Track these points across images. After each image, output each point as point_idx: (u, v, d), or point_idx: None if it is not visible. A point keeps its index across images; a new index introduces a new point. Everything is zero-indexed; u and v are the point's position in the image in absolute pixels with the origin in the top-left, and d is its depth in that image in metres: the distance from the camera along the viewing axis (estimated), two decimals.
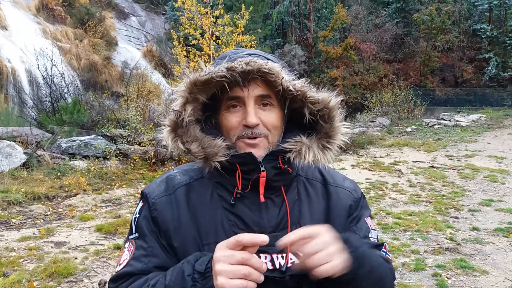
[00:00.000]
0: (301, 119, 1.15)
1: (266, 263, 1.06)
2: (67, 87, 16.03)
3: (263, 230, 1.08)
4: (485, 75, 29.26)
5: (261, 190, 1.10)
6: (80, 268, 4.73)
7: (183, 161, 10.58)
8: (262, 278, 0.93)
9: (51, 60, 15.21)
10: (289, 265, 1.07)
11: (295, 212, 1.14)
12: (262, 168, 1.09)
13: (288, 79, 1.08)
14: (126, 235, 1.21)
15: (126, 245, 1.17)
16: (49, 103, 14.74)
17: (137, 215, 1.18)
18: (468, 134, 17.51)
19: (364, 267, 1.03)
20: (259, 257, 1.05)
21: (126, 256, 1.14)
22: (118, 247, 5.34)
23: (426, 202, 7.79)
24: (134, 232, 1.16)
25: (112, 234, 5.94)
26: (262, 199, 1.10)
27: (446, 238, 5.82)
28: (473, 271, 4.74)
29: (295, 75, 1.14)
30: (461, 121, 20.87)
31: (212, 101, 1.13)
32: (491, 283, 4.46)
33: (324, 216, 1.18)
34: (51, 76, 15.06)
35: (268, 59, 1.14)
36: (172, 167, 10.12)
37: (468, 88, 29.47)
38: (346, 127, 1.16)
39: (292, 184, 1.18)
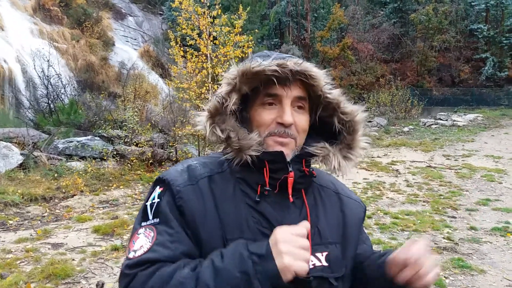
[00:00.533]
0: (323, 126, 1.20)
1: None
2: (64, 88, 16.00)
3: None
4: (482, 75, 29.33)
5: (290, 190, 1.12)
6: (77, 269, 4.71)
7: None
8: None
9: (48, 61, 15.17)
10: (311, 266, 1.08)
11: (313, 216, 1.15)
12: (290, 169, 1.10)
13: (328, 87, 1.13)
14: (136, 222, 1.12)
15: (141, 231, 1.06)
16: (46, 104, 14.71)
17: (157, 200, 1.09)
18: (465, 134, 17.56)
19: None
20: None
21: (144, 241, 1.03)
22: (116, 248, 5.32)
23: (424, 201, 7.80)
24: (151, 218, 1.08)
25: (109, 235, 5.92)
26: (291, 199, 1.12)
27: (443, 238, 5.83)
28: (470, 270, 4.75)
29: (332, 85, 1.17)
30: (458, 121, 20.92)
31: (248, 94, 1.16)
32: (488, 282, 4.47)
33: (339, 223, 1.21)
34: (47, 76, 15.03)
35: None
36: (169, 167, 10.10)
37: (465, 88, 29.54)
38: (367, 142, 1.20)
39: (310, 189, 1.20)
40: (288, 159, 1.11)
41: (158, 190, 1.12)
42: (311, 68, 1.10)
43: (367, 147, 1.20)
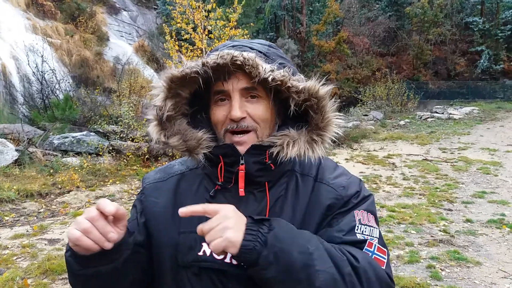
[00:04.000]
0: (296, 111, 1.10)
1: (232, 257, 1.02)
2: (59, 83, 15.90)
3: None
4: (477, 68, 29.42)
5: (241, 184, 1.08)
6: None
7: (177, 157, 10.55)
8: (107, 244, 0.95)
9: (42, 56, 15.07)
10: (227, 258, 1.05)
11: (276, 209, 1.09)
12: (242, 161, 1.06)
13: (268, 68, 1.02)
14: None
15: None
16: (41, 100, 14.62)
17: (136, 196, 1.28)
18: (461, 127, 17.62)
19: (269, 249, 0.93)
20: (201, 246, 1.07)
21: None
22: None
23: (420, 194, 7.83)
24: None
25: None
26: (241, 193, 1.08)
27: (439, 230, 5.86)
28: (466, 262, 4.78)
29: (278, 64, 1.07)
30: (454, 114, 20.98)
31: (205, 92, 1.12)
32: (484, 274, 4.50)
33: (303, 213, 1.10)
34: (42, 72, 14.93)
35: (253, 48, 1.11)
36: (166, 163, 10.08)
37: (461, 81, 29.62)
38: (339, 118, 1.10)
39: (281, 179, 1.13)
40: (243, 152, 1.07)
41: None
42: (239, 56, 1.02)
43: (341, 124, 1.11)
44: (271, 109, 1.11)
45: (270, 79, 1.02)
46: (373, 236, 1.09)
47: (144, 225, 1.18)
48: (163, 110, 1.09)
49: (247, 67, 1.02)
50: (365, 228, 1.09)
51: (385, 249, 1.11)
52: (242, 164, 1.06)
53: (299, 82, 1.06)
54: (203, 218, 1.04)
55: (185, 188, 1.18)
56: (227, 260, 1.04)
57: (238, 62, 1.01)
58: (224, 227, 0.92)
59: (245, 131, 1.08)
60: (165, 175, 1.24)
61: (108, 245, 0.96)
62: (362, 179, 8.79)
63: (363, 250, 1.06)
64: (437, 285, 4.27)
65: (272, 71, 1.03)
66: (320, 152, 1.09)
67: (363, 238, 1.07)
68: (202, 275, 1.06)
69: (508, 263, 4.76)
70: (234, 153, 1.07)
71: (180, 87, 1.09)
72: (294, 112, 1.09)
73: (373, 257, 1.06)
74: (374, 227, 1.12)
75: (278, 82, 1.03)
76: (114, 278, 1.06)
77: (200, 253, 1.06)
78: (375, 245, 1.09)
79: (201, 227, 0.94)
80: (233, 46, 1.11)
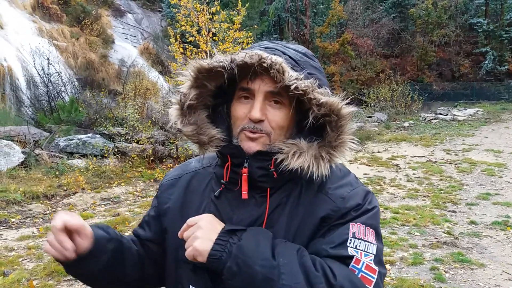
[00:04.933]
0: (306, 123, 1.07)
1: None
2: (64, 86, 16.01)
3: None
4: (482, 69, 29.28)
5: (244, 187, 1.07)
6: None
7: (182, 159, 10.59)
8: (68, 254, 1.06)
9: (48, 59, 15.17)
10: None
11: (274, 216, 1.08)
12: (245, 165, 1.06)
13: (292, 76, 1.00)
14: None
15: None
16: (47, 102, 14.73)
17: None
18: (465, 128, 17.56)
19: (232, 260, 0.95)
20: None
21: None
22: None
23: (424, 196, 7.82)
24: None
25: None
26: (244, 196, 1.08)
27: (443, 232, 5.85)
28: (470, 264, 4.77)
29: (306, 73, 1.05)
30: (458, 116, 20.91)
31: (229, 87, 1.12)
32: (488, 276, 4.49)
33: (297, 224, 1.08)
34: (48, 74, 15.03)
35: (285, 53, 1.08)
36: (171, 165, 10.12)
37: (465, 82, 29.50)
38: (354, 142, 1.06)
39: (284, 186, 1.11)
40: (248, 155, 1.06)
41: None
42: (267, 58, 1.00)
43: (353, 148, 1.06)
44: (291, 118, 1.09)
45: (293, 87, 0.99)
46: (368, 252, 1.02)
47: (158, 220, 1.26)
48: (186, 97, 1.10)
49: (272, 71, 1.00)
50: (360, 242, 1.02)
51: (376, 268, 1.01)
52: (245, 167, 1.06)
53: (323, 95, 1.02)
54: None
55: (195, 186, 1.22)
56: None
57: (265, 65, 1.00)
58: (194, 236, 0.99)
59: (258, 133, 1.07)
60: (181, 172, 1.29)
61: (70, 255, 1.06)
62: (366, 181, 8.78)
63: (349, 266, 0.99)
64: (441, 287, 4.27)
65: (297, 79, 1.00)
66: (325, 171, 1.05)
67: (350, 254, 1.00)
68: (197, 272, 1.10)
69: None
70: (241, 154, 1.06)
71: (207, 79, 1.09)
72: (311, 125, 1.06)
73: (359, 275, 0.99)
74: (371, 243, 1.04)
75: (301, 92, 1.00)
76: (109, 274, 1.19)
77: None
78: (364, 262, 1.00)
79: (181, 234, 1.04)
80: (266, 48, 1.10)
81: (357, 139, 1.08)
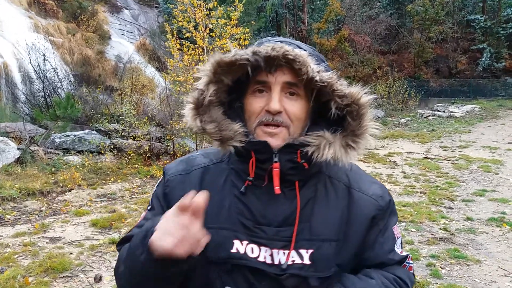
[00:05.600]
0: (330, 114, 1.10)
1: (265, 256, 1.06)
2: (60, 82, 15.91)
3: (269, 223, 1.08)
4: (479, 66, 29.31)
5: (276, 182, 1.07)
6: (75, 263, 4.72)
7: (178, 155, 10.56)
8: (197, 249, 0.94)
9: (44, 55, 15.08)
10: (289, 263, 1.05)
11: (307, 210, 1.09)
12: (275, 159, 1.05)
13: (316, 69, 1.03)
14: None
15: (142, 215, 1.25)
16: (42, 98, 14.64)
17: (155, 189, 1.25)
18: (462, 125, 17.59)
19: None
20: (259, 249, 1.06)
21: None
22: (114, 242, 5.33)
23: (421, 193, 7.83)
24: (149, 204, 1.24)
25: (107, 229, 5.93)
26: (277, 190, 1.07)
27: (440, 229, 5.86)
28: (466, 260, 4.78)
29: (325, 67, 1.09)
30: (455, 112, 20.95)
31: (239, 84, 1.12)
32: (484, 272, 4.51)
33: (340, 220, 1.12)
34: (44, 71, 14.95)
35: (299, 47, 1.11)
36: (167, 161, 10.10)
37: (462, 79, 29.54)
38: (376, 128, 1.10)
39: (311, 180, 1.13)
40: (276, 149, 1.05)
41: (159, 180, 1.26)
42: (291, 50, 1.01)
43: (377, 134, 1.10)
44: (307, 110, 1.11)
45: (318, 79, 1.02)
46: (402, 245, 1.23)
47: None
48: (205, 94, 1.08)
49: (297, 63, 1.02)
50: (400, 240, 1.21)
51: (408, 254, 1.23)
52: (276, 162, 1.05)
53: (345, 87, 1.06)
54: (226, 216, 1.09)
55: (211, 182, 1.16)
56: (261, 258, 1.06)
57: (290, 57, 1.01)
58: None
59: (278, 126, 1.07)
60: (188, 167, 1.21)
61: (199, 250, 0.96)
62: None
63: (406, 264, 1.20)
64: (437, 283, 4.28)
65: (319, 72, 1.03)
66: (354, 158, 1.09)
67: (405, 254, 1.20)
68: (234, 272, 1.07)
69: (508, 261, 4.76)
70: (267, 150, 1.05)
71: (225, 73, 1.08)
72: (332, 116, 1.10)
73: (408, 267, 1.20)
74: (400, 237, 1.23)
75: (325, 84, 1.03)
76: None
77: (233, 251, 1.07)
78: (409, 255, 1.22)
79: None
80: (280, 41, 1.10)
81: (379, 124, 1.12)
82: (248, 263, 1.06)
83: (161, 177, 1.25)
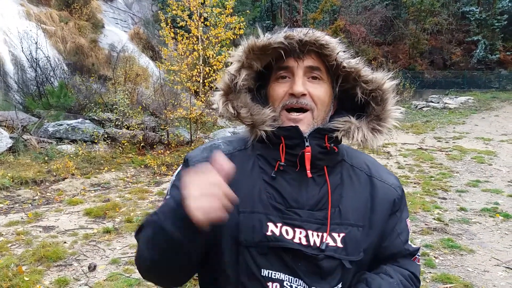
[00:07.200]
0: (352, 101, 1.14)
1: (300, 238, 1.07)
2: (53, 71, 15.74)
3: (301, 207, 1.08)
4: (473, 58, 29.38)
5: (308, 166, 1.09)
6: (69, 252, 4.70)
7: (173, 145, 10.52)
8: (224, 215, 0.90)
9: (36, 43, 14.90)
10: (327, 245, 1.08)
11: (336, 195, 1.12)
12: (307, 144, 1.07)
13: (344, 56, 1.08)
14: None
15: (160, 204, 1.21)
16: (35, 87, 14.48)
17: (174, 179, 1.19)
18: (456, 116, 17.67)
19: None
20: (294, 231, 1.07)
21: None
22: (108, 231, 5.31)
23: (415, 183, 7.87)
24: (167, 193, 1.19)
25: (101, 218, 5.91)
26: (309, 174, 1.09)
27: (434, 219, 5.90)
28: (460, 250, 4.82)
29: (350, 54, 1.12)
30: (449, 104, 21.02)
31: (262, 74, 1.15)
32: (477, 262, 4.54)
33: (365, 207, 1.15)
34: (36, 59, 14.77)
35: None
36: (161, 150, 10.05)
37: (457, 70, 29.60)
38: (399, 112, 1.14)
39: (336, 167, 1.16)
40: (305, 134, 1.08)
41: (179, 169, 1.22)
42: (322, 37, 1.06)
43: (400, 117, 1.15)
44: (330, 95, 1.13)
45: (346, 64, 1.07)
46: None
47: None
48: (237, 79, 1.10)
49: (328, 49, 1.06)
50: (411, 233, 1.30)
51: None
52: (307, 146, 1.07)
53: (370, 72, 1.10)
54: (258, 200, 1.09)
55: (239, 169, 1.10)
56: (296, 240, 1.06)
57: (322, 42, 1.06)
58: None
59: (302, 109, 1.09)
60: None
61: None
62: None
63: (416, 257, 1.24)
64: (430, 272, 4.31)
65: (349, 58, 1.08)
66: (380, 142, 1.14)
67: (417, 247, 1.25)
68: (269, 254, 1.07)
69: (501, 251, 4.80)
70: (298, 135, 1.07)
71: (256, 59, 1.10)
72: (347, 103, 1.16)
73: (418, 259, 1.24)
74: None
75: (352, 70, 1.08)
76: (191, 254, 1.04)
77: (269, 233, 1.07)
78: (419, 247, 1.30)
79: None
80: (292, 30, 1.12)
81: (401, 108, 1.16)
82: (286, 244, 1.06)
83: (182, 165, 1.21)
